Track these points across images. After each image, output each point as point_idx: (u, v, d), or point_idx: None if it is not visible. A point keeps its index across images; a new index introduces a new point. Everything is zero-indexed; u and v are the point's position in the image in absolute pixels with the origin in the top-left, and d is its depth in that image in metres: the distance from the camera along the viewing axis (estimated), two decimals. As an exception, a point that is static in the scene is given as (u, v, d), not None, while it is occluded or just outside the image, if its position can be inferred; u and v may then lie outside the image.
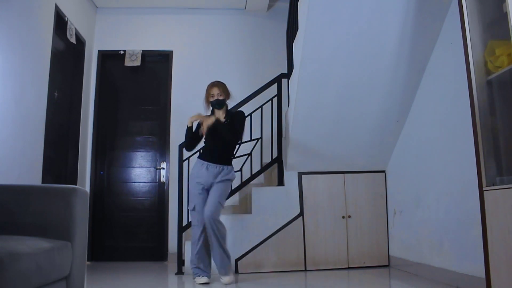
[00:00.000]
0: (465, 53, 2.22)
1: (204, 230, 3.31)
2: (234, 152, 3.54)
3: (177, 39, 5.17)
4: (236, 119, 3.42)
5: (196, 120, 3.40)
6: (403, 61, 3.35)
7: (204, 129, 3.30)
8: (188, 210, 4.08)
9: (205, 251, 3.34)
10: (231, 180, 3.40)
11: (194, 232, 3.37)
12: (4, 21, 3.15)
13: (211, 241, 3.25)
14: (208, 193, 3.34)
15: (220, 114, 3.43)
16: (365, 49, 3.29)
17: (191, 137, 3.47)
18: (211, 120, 3.31)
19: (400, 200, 3.81)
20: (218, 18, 5.23)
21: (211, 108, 3.49)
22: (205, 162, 3.35)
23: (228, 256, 3.30)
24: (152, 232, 4.88)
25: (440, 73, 3.23)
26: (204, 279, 3.26)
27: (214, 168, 3.33)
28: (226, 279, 3.25)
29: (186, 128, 3.45)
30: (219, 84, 3.43)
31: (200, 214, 3.31)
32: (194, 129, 3.51)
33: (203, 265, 3.33)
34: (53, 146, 4.05)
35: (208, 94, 3.43)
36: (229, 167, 3.39)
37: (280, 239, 3.85)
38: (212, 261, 3.35)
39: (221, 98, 3.40)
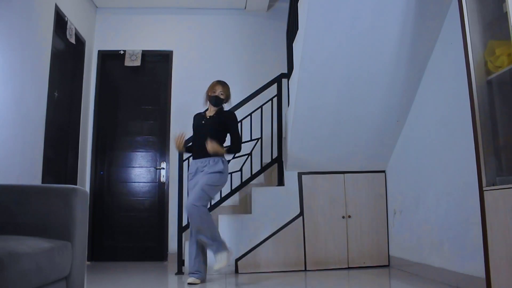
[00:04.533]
0: (465, 53, 2.22)
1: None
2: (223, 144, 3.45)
3: (177, 39, 5.17)
4: (230, 124, 3.44)
5: (180, 143, 3.39)
6: (403, 61, 3.35)
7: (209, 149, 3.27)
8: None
9: (196, 250, 3.31)
10: (219, 172, 3.27)
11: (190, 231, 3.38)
12: (4, 21, 3.15)
13: (191, 231, 3.28)
14: None
15: (211, 108, 3.49)
16: (365, 49, 3.28)
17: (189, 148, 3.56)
18: (213, 148, 3.24)
19: (400, 200, 3.80)
20: (218, 18, 5.23)
21: (208, 103, 3.53)
22: (194, 160, 3.42)
23: (213, 243, 3.16)
24: (152, 232, 4.88)
25: (440, 73, 3.23)
26: (191, 279, 3.22)
27: (200, 163, 3.35)
28: (217, 264, 3.14)
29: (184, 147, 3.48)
30: (224, 84, 3.50)
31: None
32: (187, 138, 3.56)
33: (193, 264, 3.29)
34: (53, 146, 4.05)
35: (211, 88, 3.48)
36: (215, 158, 3.30)
37: (280, 239, 3.84)
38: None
39: (221, 97, 3.45)
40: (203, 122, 3.45)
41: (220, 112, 3.49)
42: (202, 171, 3.32)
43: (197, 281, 3.23)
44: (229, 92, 3.51)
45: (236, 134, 3.45)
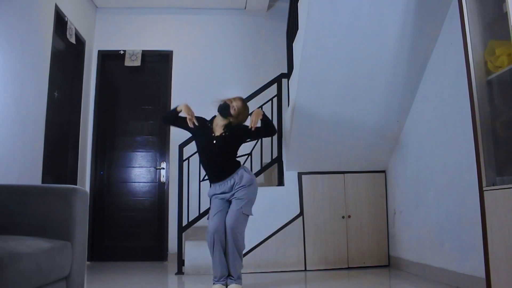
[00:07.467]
0: (465, 53, 2.22)
1: (217, 237, 2.96)
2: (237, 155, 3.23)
3: (177, 39, 5.17)
4: (245, 130, 3.17)
5: (188, 115, 3.14)
6: (403, 61, 3.35)
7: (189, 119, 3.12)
8: (188, 210, 4.11)
9: (223, 258, 3.03)
10: (250, 185, 3.05)
11: (209, 247, 3.02)
12: (4, 21, 3.15)
13: (228, 248, 2.99)
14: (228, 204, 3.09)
15: (219, 123, 3.13)
16: (365, 49, 3.28)
17: (174, 117, 3.24)
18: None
19: (400, 200, 3.80)
20: (218, 18, 5.23)
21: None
22: (215, 184, 3.10)
23: (241, 265, 3.09)
24: (152, 232, 4.89)
25: (440, 73, 3.23)
26: (216, 286, 3.00)
27: (224, 185, 3.06)
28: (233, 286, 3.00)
29: (175, 108, 3.23)
30: (244, 104, 3.13)
31: (215, 220, 2.99)
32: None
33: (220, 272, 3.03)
34: (53, 146, 4.05)
35: (229, 98, 3.12)
36: (238, 172, 3.07)
37: (280, 239, 3.84)
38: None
39: (232, 112, 3.06)
40: (214, 142, 3.08)
41: (230, 127, 3.12)
42: (232, 191, 3.05)
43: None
44: (245, 114, 3.13)
45: (259, 127, 3.20)
